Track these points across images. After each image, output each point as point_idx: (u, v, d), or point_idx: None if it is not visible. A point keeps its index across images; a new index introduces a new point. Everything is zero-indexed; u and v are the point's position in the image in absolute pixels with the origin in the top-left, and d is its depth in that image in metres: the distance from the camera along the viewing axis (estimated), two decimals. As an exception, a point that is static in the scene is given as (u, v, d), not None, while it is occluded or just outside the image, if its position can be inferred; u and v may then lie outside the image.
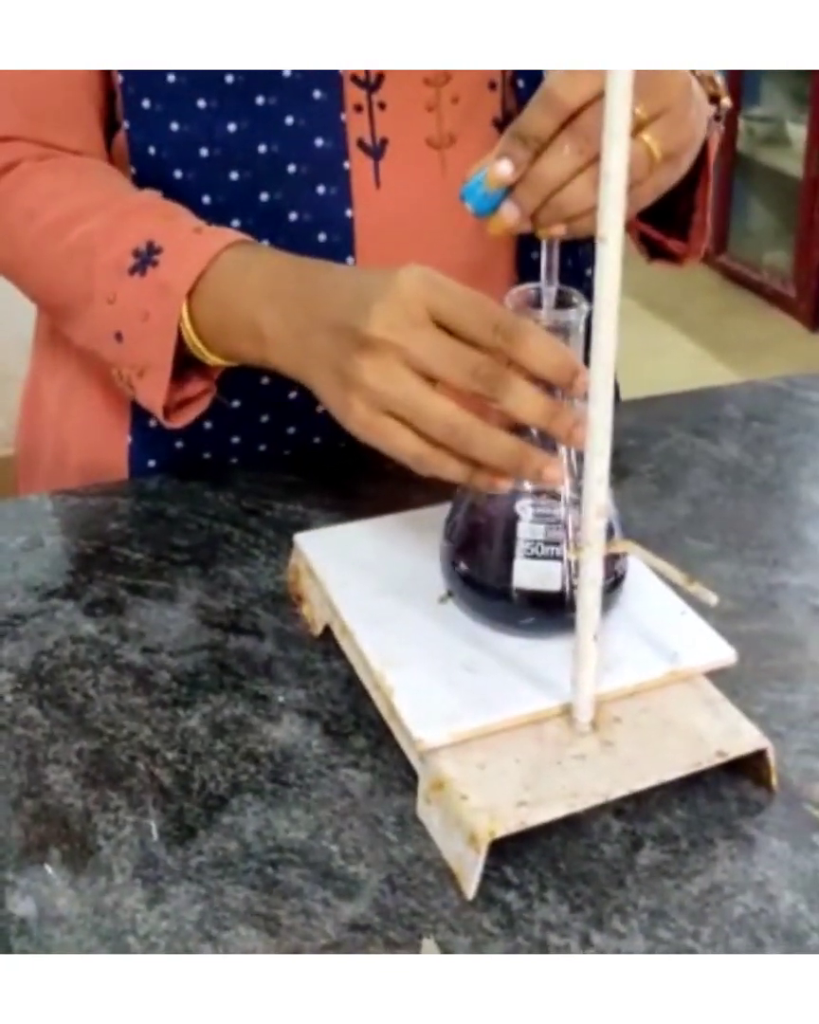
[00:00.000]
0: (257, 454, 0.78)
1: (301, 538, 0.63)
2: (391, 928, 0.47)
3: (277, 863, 0.50)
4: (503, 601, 0.56)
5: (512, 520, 0.56)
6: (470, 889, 0.48)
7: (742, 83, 2.97)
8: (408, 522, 0.65)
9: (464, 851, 0.48)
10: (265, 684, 0.58)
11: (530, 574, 0.55)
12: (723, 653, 0.57)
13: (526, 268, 0.77)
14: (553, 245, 0.55)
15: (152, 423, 0.75)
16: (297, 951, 0.46)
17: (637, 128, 0.55)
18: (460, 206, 0.74)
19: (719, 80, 0.69)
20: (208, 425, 0.74)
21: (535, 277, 0.54)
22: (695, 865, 0.51)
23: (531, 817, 0.49)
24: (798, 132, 2.84)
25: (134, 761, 0.54)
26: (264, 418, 0.76)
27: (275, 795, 0.53)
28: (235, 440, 0.77)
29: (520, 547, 0.55)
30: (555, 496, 0.55)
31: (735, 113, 3.00)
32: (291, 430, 0.78)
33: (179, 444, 0.76)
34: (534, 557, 0.55)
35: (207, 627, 0.62)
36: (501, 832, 0.48)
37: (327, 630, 0.61)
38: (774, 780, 0.53)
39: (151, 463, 0.76)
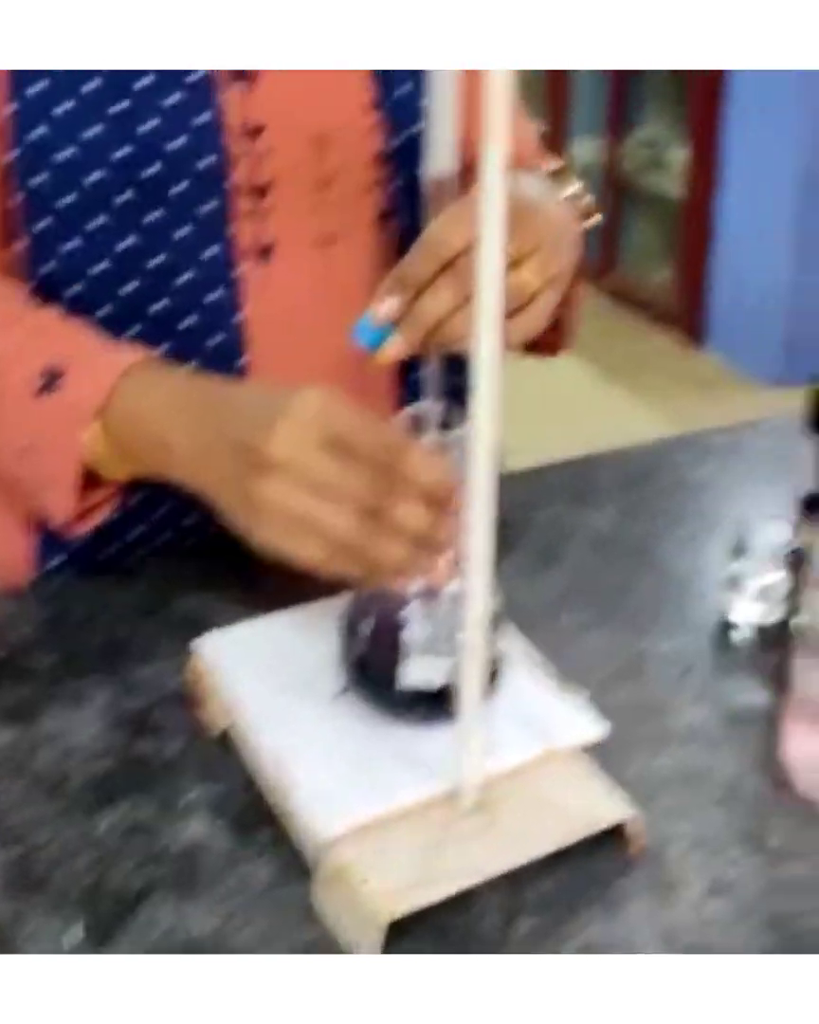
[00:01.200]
0: (159, 544, 0.83)
1: (198, 643, 0.68)
2: (298, 1011, 0.53)
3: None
4: (394, 697, 0.62)
5: (401, 621, 0.62)
6: (368, 969, 0.54)
7: (626, 109, 3.10)
8: (303, 618, 0.71)
9: (362, 934, 0.54)
10: (172, 784, 0.64)
11: (418, 672, 0.62)
12: (594, 730, 0.64)
13: (406, 361, 0.84)
14: (434, 364, 0.62)
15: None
16: (212, 1040, 0.52)
17: (512, 264, 0.62)
18: (345, 302, 0.81)
19: (585, 201, 0.77)
20: (111, 518, 0.79)
21: (414, 368, 0.61)
22: (568, 929, 0.57)
23: (422, 898, 0.55)
24: (677, 156, 2.98)
25: (51, 870, 0.59)
26: (163, 510, 0.82)
27: (187, 892, 0.58)
28: (137, 532, 0.82)
29: (408, 647, 0.61)
30: (440, 598, 0.62)
31: (619, 139, 3.14)
32: (189, 521, 0.83)
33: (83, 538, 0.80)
34: (422, 655, 0.62)
35: (115, 731, 0.67)
36: (398, 913, 0.54)
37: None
38: (636, 845, 0.61)
39: (56, 560, 0.81)
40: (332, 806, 0.58)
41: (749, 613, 0.78)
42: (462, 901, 0.57)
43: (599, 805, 0.60)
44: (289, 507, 0.57)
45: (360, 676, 0.63)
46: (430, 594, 0.62)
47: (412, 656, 0.61)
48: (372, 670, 0.63)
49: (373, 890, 0.55)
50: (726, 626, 0.78)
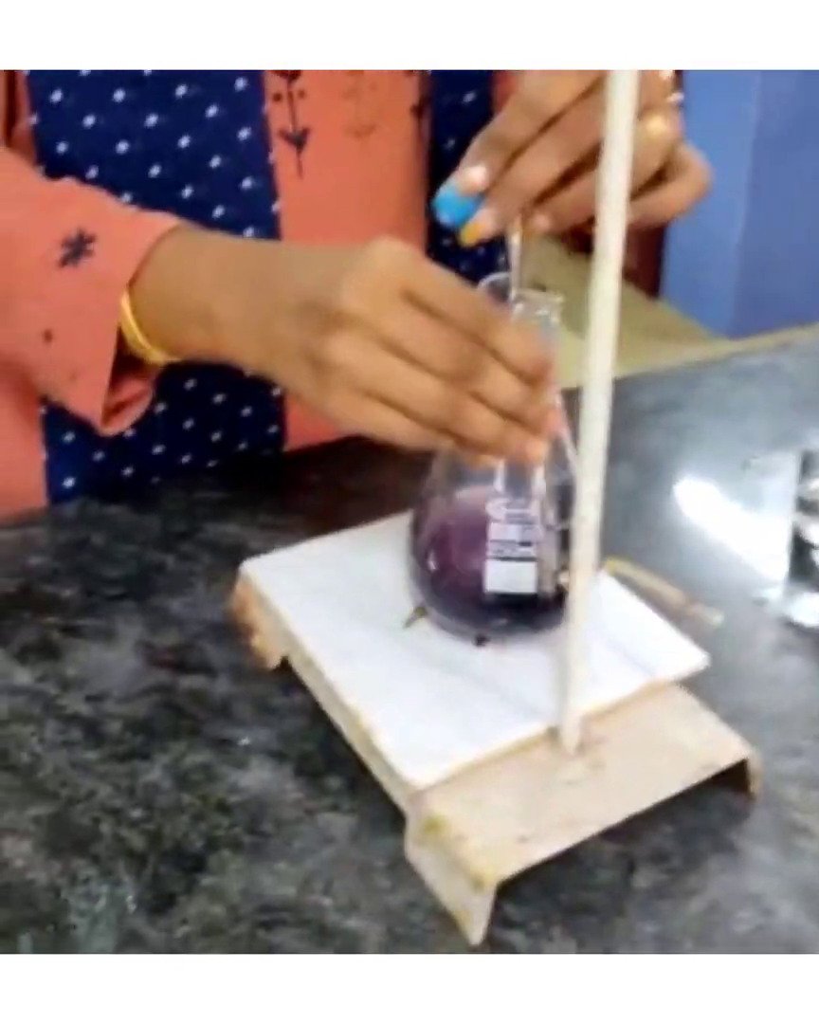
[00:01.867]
0: (180, 466, 0.72)
1: (248, 566, 0.58)
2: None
3: (268, 924, 0.45)
4: (474, 604, 0.53)
5: (483, 521, 0.53)
6: (477, 934, 0.45)
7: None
8: (357, 541, 0.61)
9: (467, 895, 0.45)
10: (225, 726, 0.54)
11: (502, 576, 0.53)
12: (695, 659, 0.55)
13: (438, 254, 0.73)
14: (521, 238, 0.52)
15: (69, 437, 0.68)
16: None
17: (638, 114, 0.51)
18: (381, 196, 0.70)
19: (664, 75, 0.67)
20: (129, 434, 0.68)
21: (444, 261, 0.51)
22: (691, 883, 0.49)
23: (534, 854, 0.46)
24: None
25: (98, 823, 0.49)
26: (188, 424, 0.71)
27: (255, 848, 0.48)
28: (157, 450, 0.71)
29: (491, 548, 0.52)
30: (527, 496, 0.53)
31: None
32: (216, 437, 0.72)
33: (98, 457, 0.69)
34: (506, 559, 0.52)
35: (153, 667, 0.57)
36: (506, 873, 0.45)
37: (283, 660, 0.56)
38: (755, 787, 0.52)
39: (69, 482, 0.70)
40: (422, 751, 0.48)
41: (826, 537, 0.70)
42: (571, 853, 0.48)
43: (715, 743, 0.51)
44: (365, 368, 0.46)
45: (438, 583, 0.54)
46: (517, 489, 0.52)
47: (498, 558, 0.52)
48: (452, 576, 0.53)
49: (474, 847, 0.46)
50: (800, 550, 0.70)
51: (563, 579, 0.50)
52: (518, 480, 0.53)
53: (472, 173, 0.50)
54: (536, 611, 0.53)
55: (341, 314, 0.46)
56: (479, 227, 0.50)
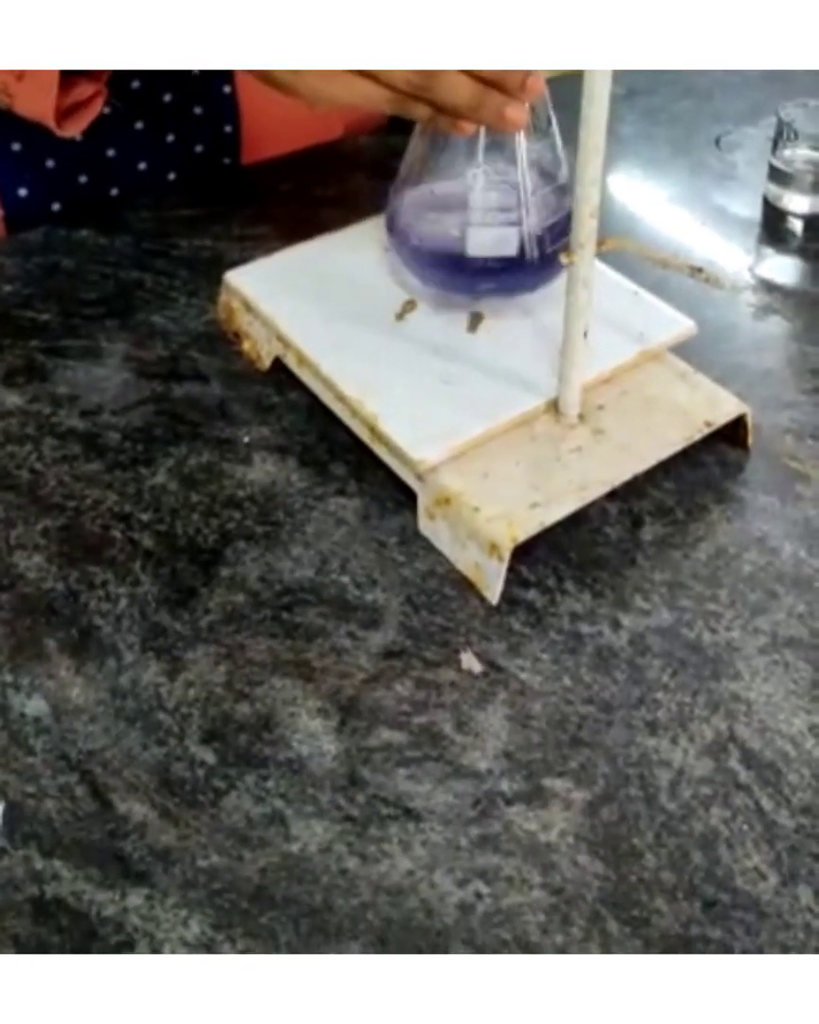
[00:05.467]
0: (139, 175, 0.60)
1: (232, 275, 0.48)
2: (425, 648, 0.39)
3: (291, 606, 0.40)
4: (458, 271, 0.45)
5: (464, 189, 0.44)
6: (494, 596, 0.40)
7: None
8: (338, 243, 0.51)
9: (484, 560, 0.39)
10: (224, 427, 0.46)
11: (486, 242, 0.44)
12: (684, 326, 0.47)
13: None
14: None
15: (16, 146, 0.56)
16: (337, 691, 0.37)
17: None
18: None
19: None
20: (78, 139, 0.56)
21: None
22: (696, 532, 0.43)
23: (547, 516, 0.39)
24: None
25: (108, 530, 0.42)
26: (138, 125, 0.58)
27: (269, 537, 0.42)
28: (111, 154, 0.59)
29: (474, 215, 0.44)
30: (510, 161, 0.43)
31: None
32: (170, 138, 0.60)
33: (50, 164, 0.57)
34: (489, 225, 0.44)
35: (144, 379, 0.48)
36: (523, 536, 0.39)
37: (276, 363, 0.48)
38: (751, 441, 0.45)
39: (23, 191, 0.58)
40: (427, 431, 0.41)
41: (801, 204, 0.60)
42: (577, 515, 0.42)
43: (711, 402, 0.44)
44: None
45: (421, 254, 0.46)
46: (497, 155, 0.43)
47: (482, 225, 0.44)
48: (436, 244, 0.45)
49: (489, 516, 0.39)
50: (775, 217, 0.60)
51: (564, 259, 0.42)
52: (498, 146, 0.43)
53: None
54: (521, 274, 0.45)
55: None
56: None
